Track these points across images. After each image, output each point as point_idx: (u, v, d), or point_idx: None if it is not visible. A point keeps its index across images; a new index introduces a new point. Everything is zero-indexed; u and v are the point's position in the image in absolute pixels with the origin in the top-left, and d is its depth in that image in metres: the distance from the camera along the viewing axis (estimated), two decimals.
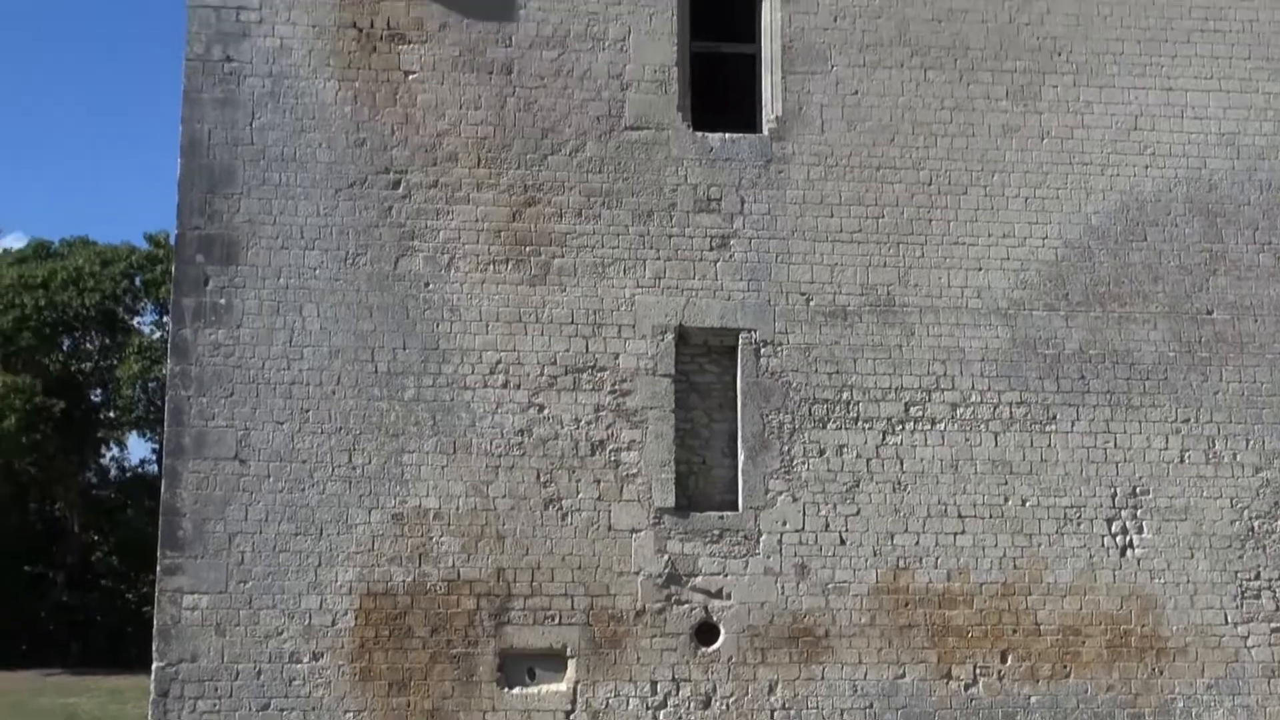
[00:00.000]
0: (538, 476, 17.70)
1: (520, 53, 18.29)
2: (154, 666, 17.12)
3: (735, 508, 17.99)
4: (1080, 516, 18.31)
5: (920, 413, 18.24)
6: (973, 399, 18.35)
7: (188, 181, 17.74)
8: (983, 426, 18.32)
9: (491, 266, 17.93)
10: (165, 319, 39.29)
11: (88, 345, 41.22)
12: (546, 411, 17.78)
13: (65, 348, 40.71)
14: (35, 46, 69.23)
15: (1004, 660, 17.97)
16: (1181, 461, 18.55)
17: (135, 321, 41.55)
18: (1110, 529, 18.35)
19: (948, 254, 18.55)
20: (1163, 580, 18.34)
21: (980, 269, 18.56)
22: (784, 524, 17.92)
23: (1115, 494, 18.42)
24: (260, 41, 18.00)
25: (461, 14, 18.25)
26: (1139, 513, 18.42)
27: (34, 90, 70.06)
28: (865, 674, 17.75)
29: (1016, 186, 18.75)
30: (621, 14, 18.46)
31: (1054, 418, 18.43)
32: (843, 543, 17.96)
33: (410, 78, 18.11)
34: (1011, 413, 18.38)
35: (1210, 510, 18.52)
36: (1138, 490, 18.46)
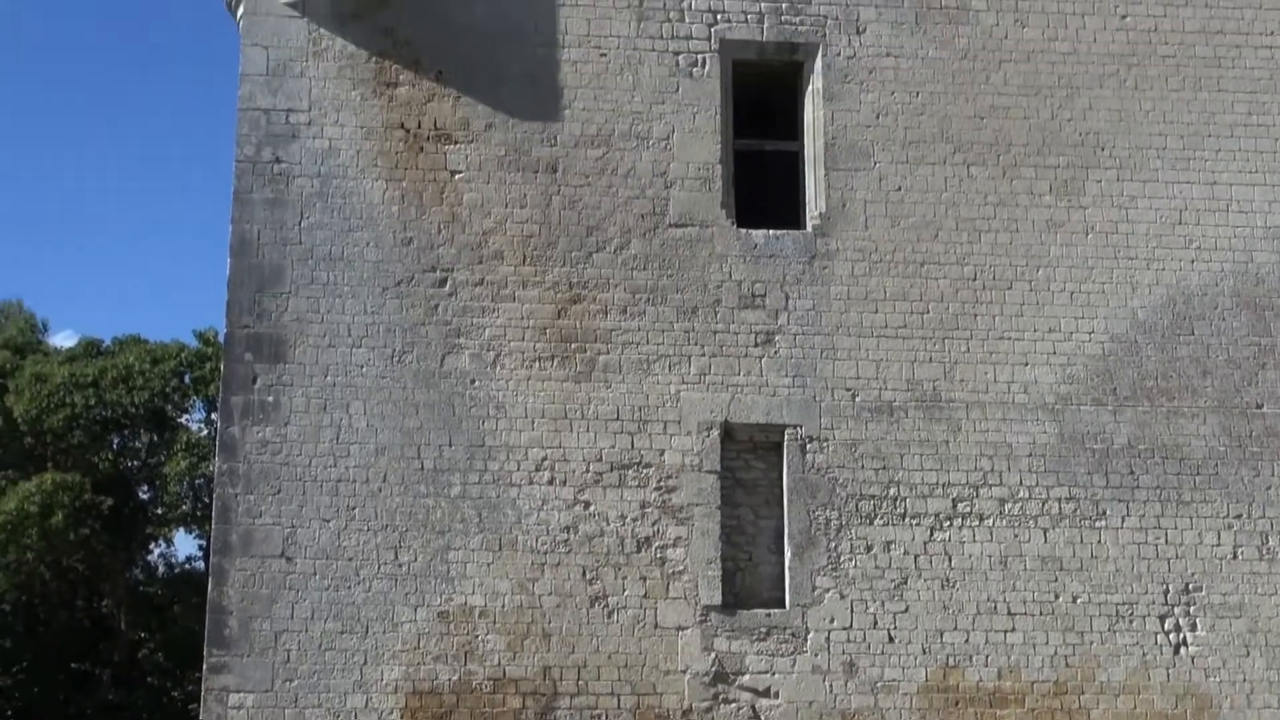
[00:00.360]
0: (583, 574, 17.63)
1: (565, 151, 18.43)
2: None
3: (782, 605, 17.85)
4: (1132, 614, 18.07)
5: (968, 509, 18.11)
6: (1021, 495, 18.20)
7: (237, 281, 17.92)
8: (1032, 522, 18.16)
9: (537, 363, 17.99)
10: (213, 416, 39.52)
11: (136, 443, 41.48)
12: (592, 508, 17.74)
13: (114, 445, 40.98)
14: (87, 148, 70.46)
15: None
16: (1234, 558, 18.31)
17: (183, 418, 41.86)
18: (1163, 626, 18.10)
19: (993, 349, 18.49)
20: (1218, 679, 18.04)
21: (1026, 364, 18.48)
22: (832, 621, 17.76)
23: (1168, 590, 18.18)
24: (309, 143, 18.22)
25: (507, 114, 18.45)
26: (1192, 610, 18.17)
27: (86, 190, 71.15)
28: None
29: (1062, 281, 18.70)
30: (665, 113, 18.62)
31: (1104, 513, 18.26)
32: (891, 640, 17.77)
33: (456, 177, 18.29)
34: (1061, 508, 18.22)
35: (1265, 607, 18.24)
36: (1190, 587, 18.22)
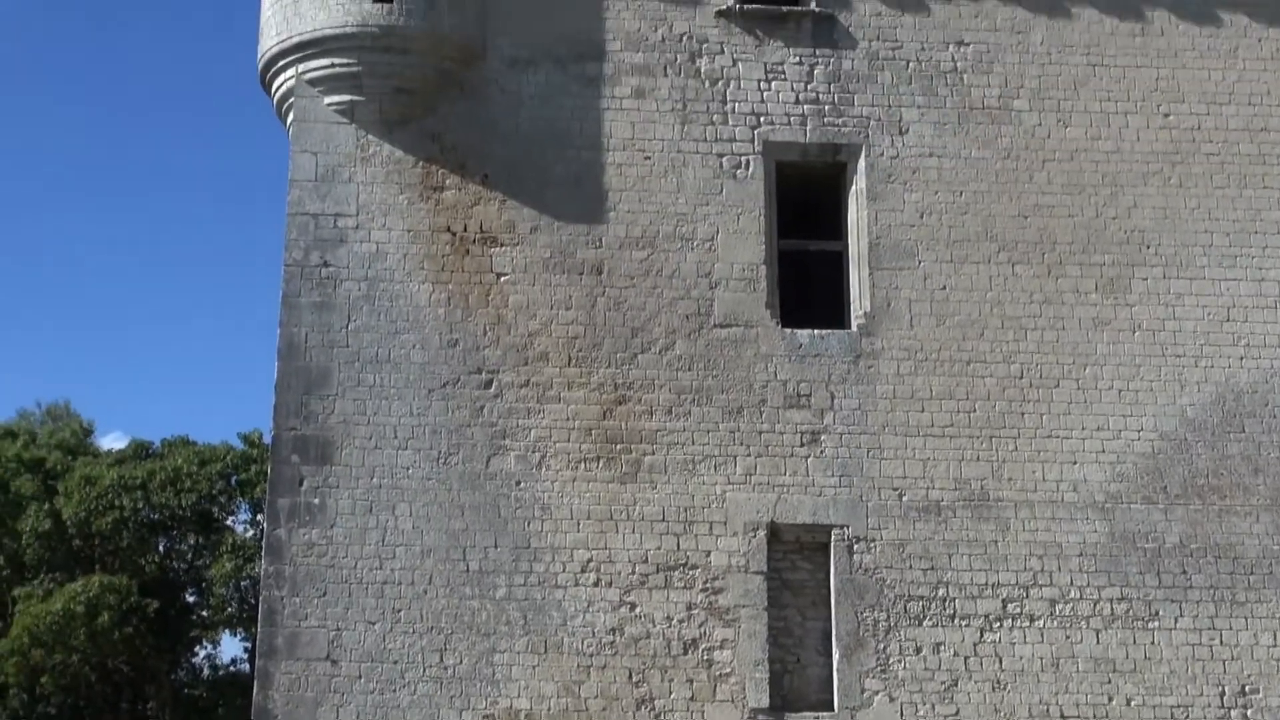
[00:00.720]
0: (630, 676, 17.48)
1: (610, 253, 18.53)
2: None
3: (831, 708, 17.63)
4: (1188, 717, 17.76)
5: (1018, 609, 17.89)
6: (1072, 595, 17.98)
7: (284, 383, 18.01)
8: (1084, 623, 17.91)
9: (583, 464, 17.95)
10: (259, 517, 39.61)
11: (183, 545, 41.60)
12: (638, 610, 17.62)
13: (161, 548, 41.12)
14: (136, 251, 71.37)
15: None
16: None
17: (229, 520, 41.97)
18: None
19: (1041, 447, 18.35)
20: None
21: (1075, 462, 18.33)
22: None
23: (1224, 693, 17.87)
24: (357, 247, 18.37)
25: (552, 217, 18.56)
26: (1249, 713, 17.83)
27: (135, 293, 71.98)
28: None
29: (1109, 379, 18.59)
30: (710, 214, 18.70)
31: (1157, 614, 18.01)
32: None
33: (502, 279, 18.39)
34: (1113, 609, 17.97)
35: None
36: (1247, 689, 17.90)
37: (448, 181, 18.60)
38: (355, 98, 18.56)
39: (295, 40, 18.55)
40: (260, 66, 19.08)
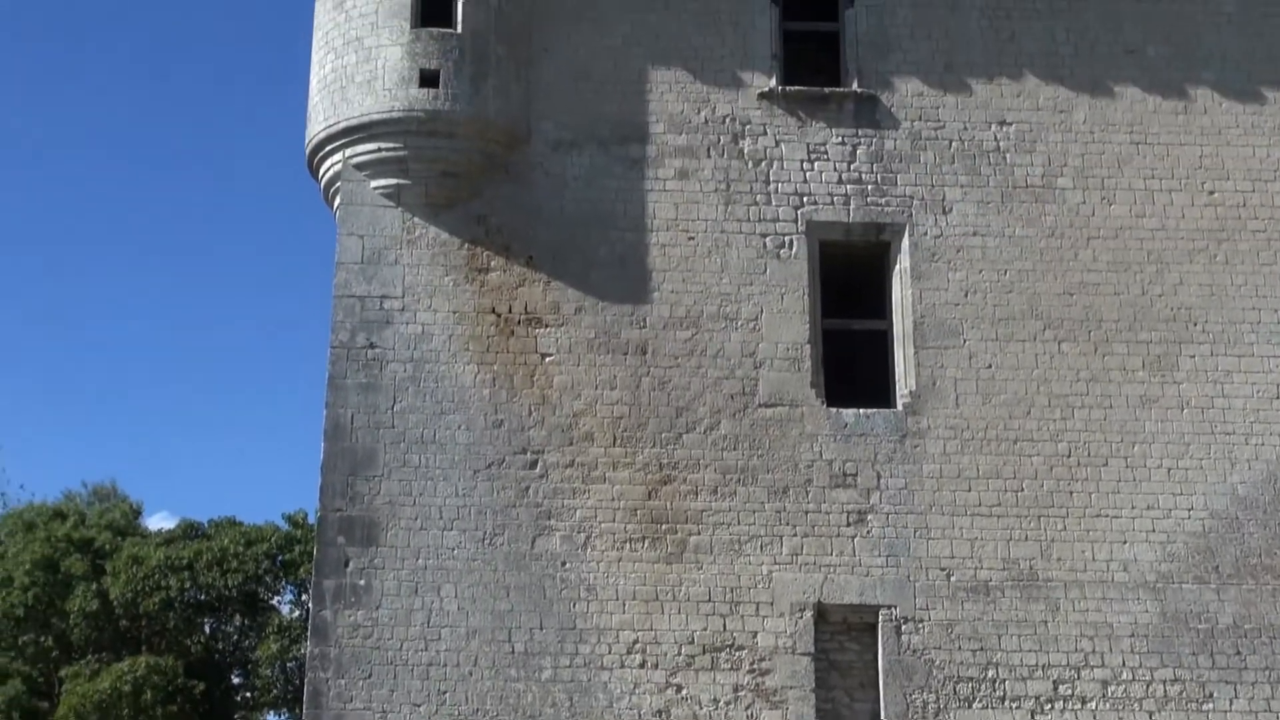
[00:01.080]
0: None
1: (655, 333, 18.54)
2: None
3: None
4: None
5: (1070, 691, 17.65)
6: (1124, 676, 17.73)
7: (330, 465, 18.06)
8: (1136, 705, 17.65)
9: (628, 545, 17.89)
10: (304, 598, 39.60)
11: (229, 626, 41.62)
12: (684, 692, 17.49)
13: (207, 629, 41.15)
14: (181, 333, 71.93)
15: None
16: None
17: (274, 601, 41.98)
18: None
19: (1090, 527, 18.18)
20: None
21: (1125, 542, 18.14)
22: None
23: None
24: (402, 328, 18.45)
25: (597, 298, 18.63)
26: None
27: (181, 374, 72.50)
28: None
29: (1158, 457, 18.43)
30: (754, 294, 18.71)
31: (1211, 695, 17.72)
32: None
33: (547, 360, 18.43)
34: (1166, 691, 17.71)
35: None
36: None
37: (493, 263, 18.71)
38: (401, 181, 18.73)
39: (342, 125, 18.77)
40: (308, 151, 19.30)
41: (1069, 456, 18.41)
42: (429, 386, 18.33)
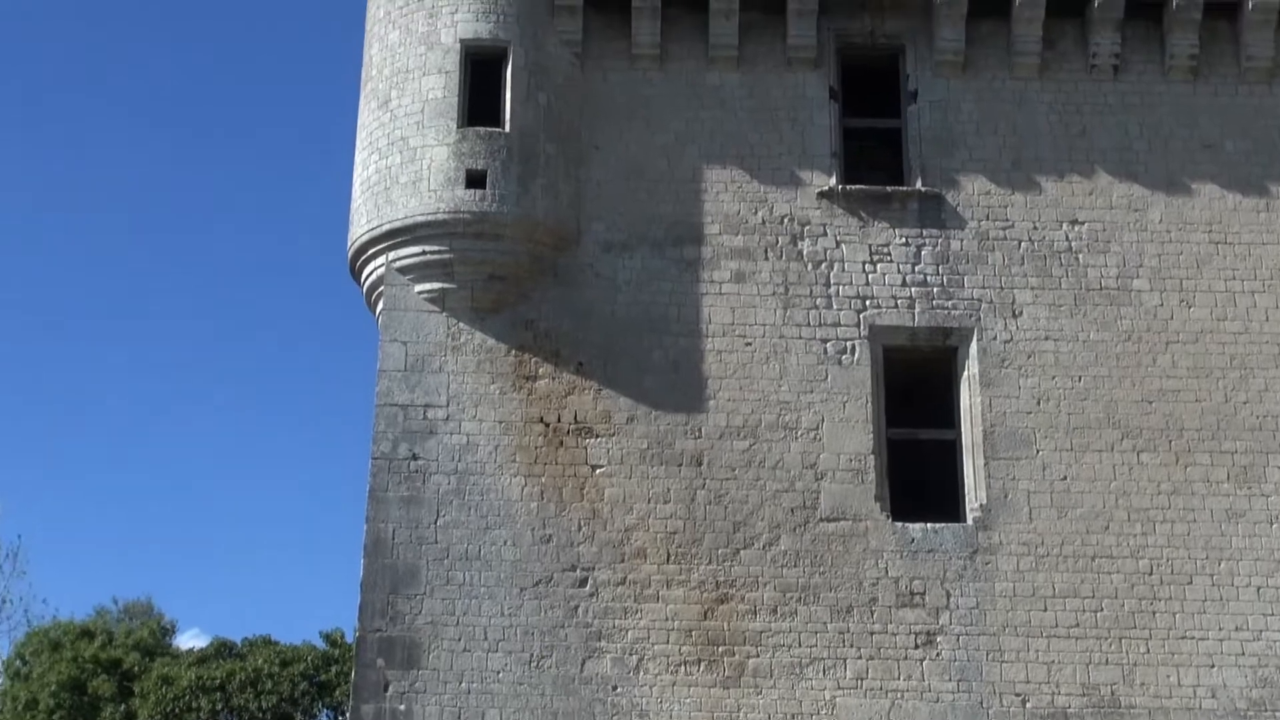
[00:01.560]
0: None
1: (710, 444, 17.98)
2: None
3: None
4: None
5: None
6: None
7: (370, 582, 17.43)
8: None
9: (683, 668, 17.19)
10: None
11: None
12: None
13: None
14: (216, 443, 71.42)
15: None
16: None
17: None
18: None
19: (1175, 649, 17.44)
20: None
21: (1213, 666, 17.37)
22: None
23: None
24: (446, 439, 17.93)
25: (650, 406, 18.08)
26: None
27: (216, 488, 71.89)
28: None
29: (1247, 575, 17.68)
30: (814, 402, 18.14)
31: None
32: None
33: (598, 471, 17.86)
34: None
35: None
36: None
37: (541, 370, 18.22)
38: (446, 285, 18.33)
39: (386, 228, 18.43)
40: (350, 254, 19.00)
41: (1151, 574, 17.70)
42: (474, 500, 17.75)
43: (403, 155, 18.47)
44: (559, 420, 18.04)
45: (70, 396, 70.52)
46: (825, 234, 18.73)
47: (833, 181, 18.88)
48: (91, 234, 72.61)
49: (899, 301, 18.56)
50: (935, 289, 18.59)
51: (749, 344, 18.34)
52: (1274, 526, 17.82)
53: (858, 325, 18.43)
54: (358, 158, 19.04)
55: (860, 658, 17.27)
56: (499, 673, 17.10)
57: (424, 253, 18.27)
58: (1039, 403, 18.23)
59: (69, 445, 71.09)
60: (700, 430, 18.05)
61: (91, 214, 72.70)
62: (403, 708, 16.96)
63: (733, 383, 18.21)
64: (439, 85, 18.56)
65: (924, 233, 18.76)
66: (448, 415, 18.02)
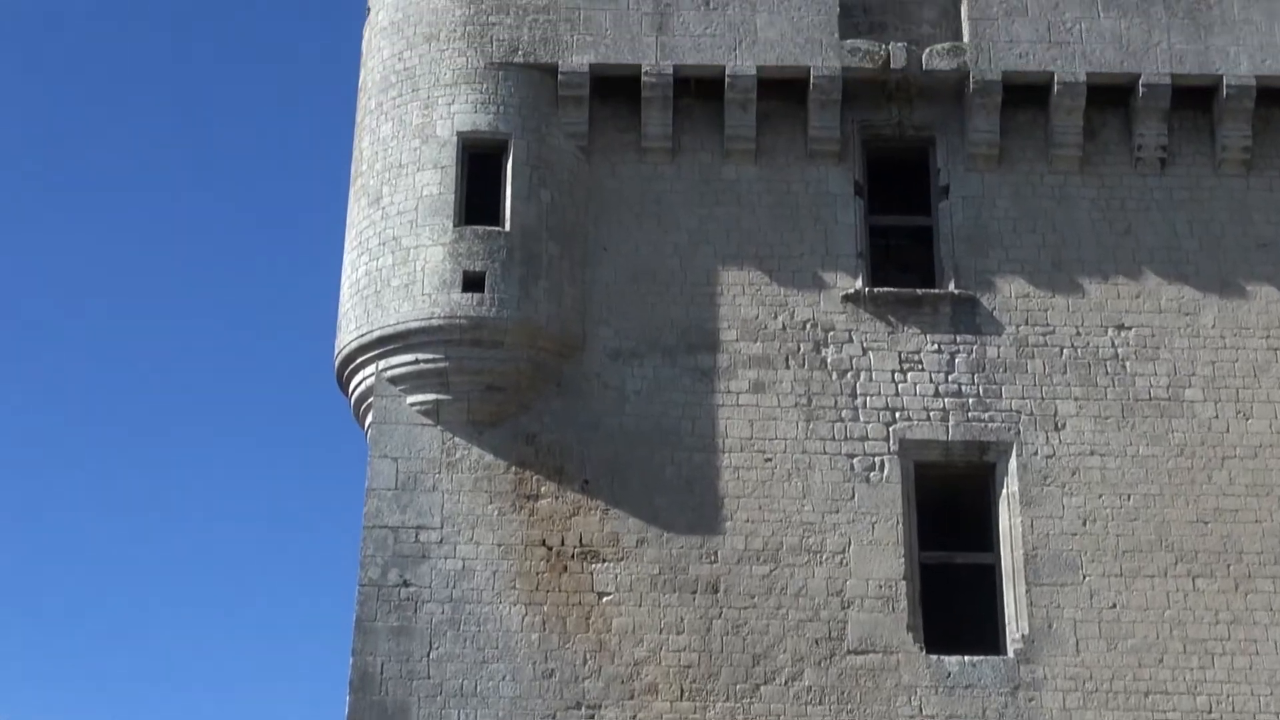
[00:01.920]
0: None
1: (727, 569, 17.29)
2: None
3: None
4: None
5: None
6: None
7: None
8: None
9: None
10: None
11: None
12: None
13: None
14: (185, 574, 68.64)
15: None
16: None
17: None
18: None
19: None
20: None
21: None
22: None
23: None
24: (440, 564, 17.25)
25: (661, 528, 17.42)
26: None
27: (185, 624, 69.27)
28: None
29: None
30: (840, 523, 17.44)
31: None
32: None
33: (604, 599, 17.18)
34: None
35: None
36: None
37: (543, 489, 17.53)
38: (441, 396, 17.63)
39: (377, 334, 17.78)
40: (337, 363, 18.29)
41: (1210, 712, 16.86)
42: (470, 631, 16.97)
43: (395, 256, 17.86)
44: (562, 543, 17.33)
45: (32, 521, 69.05)
46: (851, 340, 18.10)
47: (859, 284, 18.26)
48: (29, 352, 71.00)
49: (931, 414, 17.87)
50: (970, 400, 17.91)
51: (769, 460, 17.64)
52: None
53: (887, 439, 17.76)
54: (346, 259, 18.44)
55: None
56: None
57: (417, 361, 17.60)
58: (1085, 524, 17.50)
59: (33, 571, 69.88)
60: (716, 554, 17.32)
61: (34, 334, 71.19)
62: None
63: (751, 502, 17.51)
64: (434, 181, 17.98)
65: (958, 339, 18.12)
66: (442, 538, 17.33)
